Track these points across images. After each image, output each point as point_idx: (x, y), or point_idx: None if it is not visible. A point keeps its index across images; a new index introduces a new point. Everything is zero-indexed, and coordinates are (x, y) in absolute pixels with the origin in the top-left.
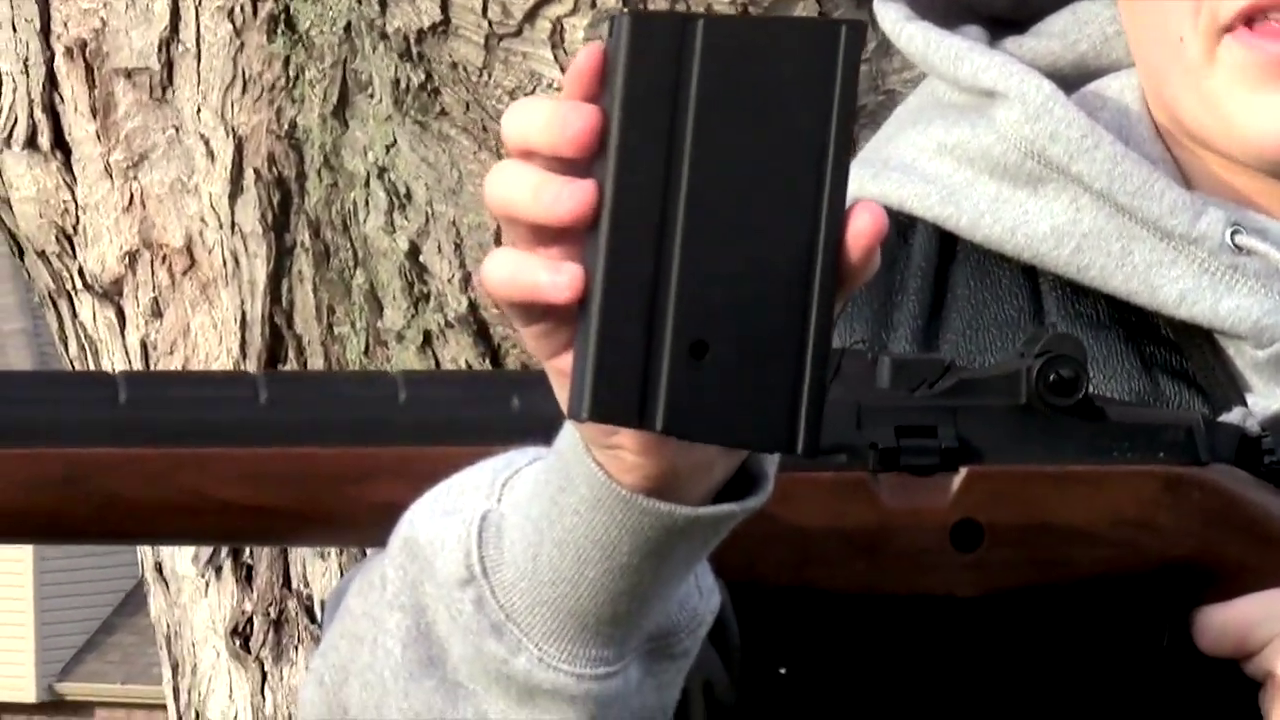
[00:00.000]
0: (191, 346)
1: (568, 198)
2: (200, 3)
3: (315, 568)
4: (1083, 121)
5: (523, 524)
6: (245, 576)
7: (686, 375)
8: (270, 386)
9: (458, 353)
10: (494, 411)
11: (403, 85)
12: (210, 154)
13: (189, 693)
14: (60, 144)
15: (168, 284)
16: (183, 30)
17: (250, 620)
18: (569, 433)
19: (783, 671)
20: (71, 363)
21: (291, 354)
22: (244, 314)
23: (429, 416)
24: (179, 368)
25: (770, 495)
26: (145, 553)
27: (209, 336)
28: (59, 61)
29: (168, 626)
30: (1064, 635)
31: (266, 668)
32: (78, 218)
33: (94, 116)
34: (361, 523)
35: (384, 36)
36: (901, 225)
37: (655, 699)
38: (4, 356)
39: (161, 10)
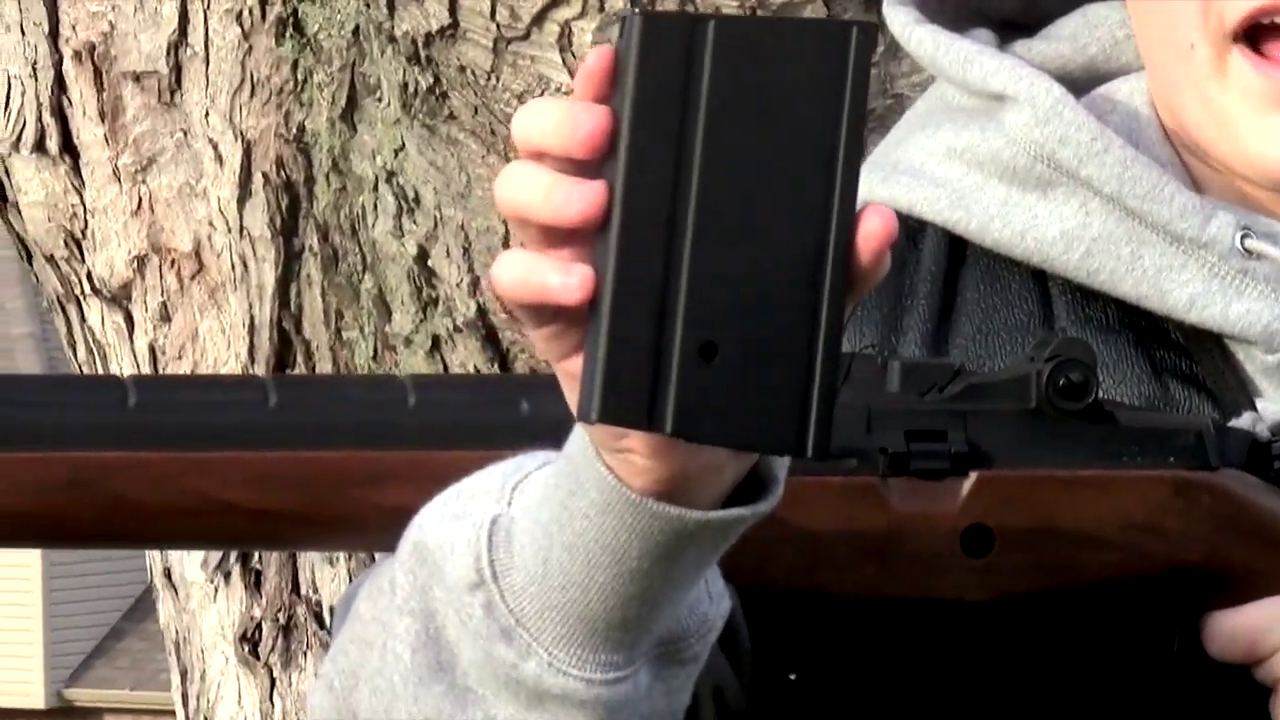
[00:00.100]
0: (200, 351)
1: (578, 199)
2: (209, 6)
3: (324, 573)
4: (1092, 125)
5: (532, 528)
6: (254, 582)
7: (696, 377)
8: (279, 390)
9: (466, 357)
10: (503, 416)
11: (411, 89)
12: (219, 158)
13: (198, 699)
14: (69, 148)
15: (176, 288)
16: (191, 34)
17: (259, 626)
18: (579, 436)
19: (792, 677)
20: (80, 367)
21: (300, 359)
22: (252, 318)
23: (438, 421)
24: (187, 372)
25: (780, 499)
26: (154, 558)
27: (217, 341)
28: (67, 65)
29: (176, 632)
30: (1074, 640)
31: (275, 674)
32: (86, 222)
33: (102, 120)
34: (370, 527)
35: (392, 40)
36: (911, 229)
37: (665, 704)
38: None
39: (170, 14)
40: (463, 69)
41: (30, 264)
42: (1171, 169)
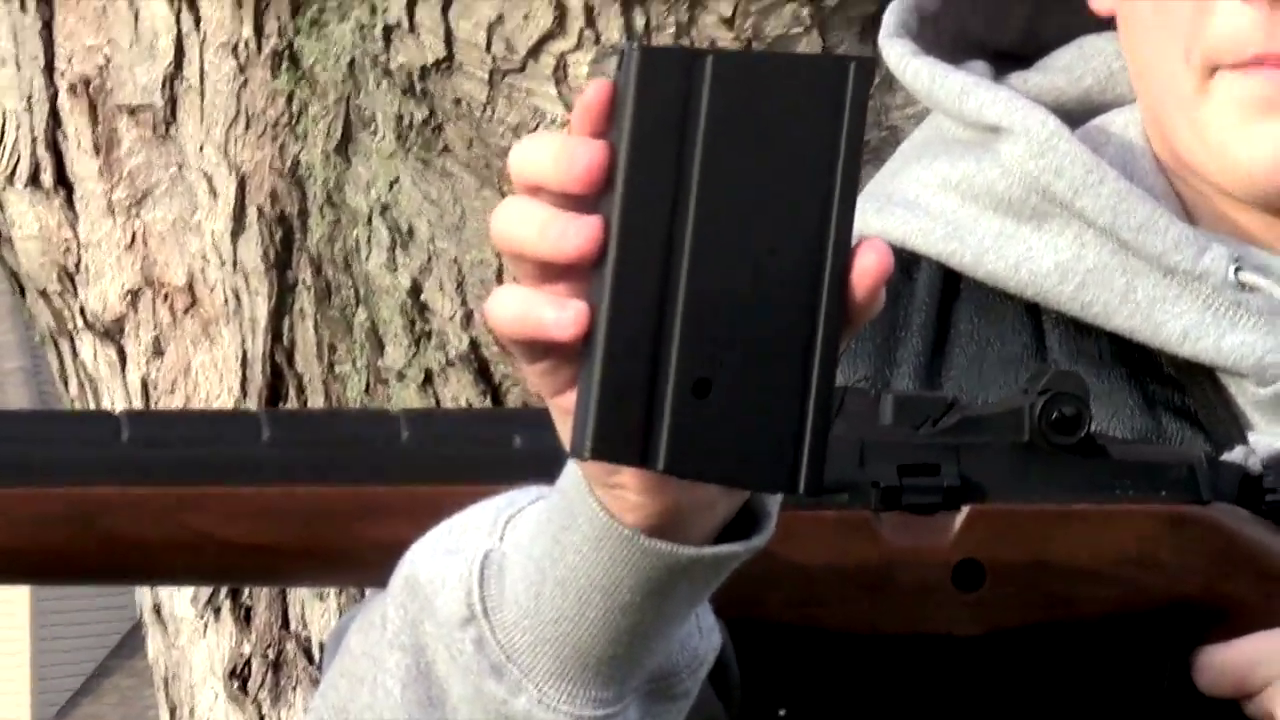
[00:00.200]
0: (192, 385)
1: (574, 234)
2: (204, 40)
3: (314, 609)
4: (1087, 157)
5: (525, 563)
6: (244, 618)
7: (689, 414)
8: (273, 425)
9: (459, 391)
10: (497, 450)
11: (406, 121)
12: (213, 191)
13: None
14: (63, 181)
15: (169, 322)
16: (186, 67)
17: (249, 662)
18: (571, 471)
19: (783, 713)
20: (72, 401)
21: (292, 392)
22: (245, 352)
23: (432, 455)
24: (180, 406)
25: (773, 534)
26: (143, 594)
27: (210, 375)
28: (62, 98)
29: (166, 668)
30: (1067, 674)
31: (265, 710)
32: (80, 256)
33: (97, 153)
34: (364, 561)
35: (387, 73)
36: (905, 261)
37: None
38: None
39: (165, 47)
40: (458, 101)
41: (23, 298)
42: (1165, 201)
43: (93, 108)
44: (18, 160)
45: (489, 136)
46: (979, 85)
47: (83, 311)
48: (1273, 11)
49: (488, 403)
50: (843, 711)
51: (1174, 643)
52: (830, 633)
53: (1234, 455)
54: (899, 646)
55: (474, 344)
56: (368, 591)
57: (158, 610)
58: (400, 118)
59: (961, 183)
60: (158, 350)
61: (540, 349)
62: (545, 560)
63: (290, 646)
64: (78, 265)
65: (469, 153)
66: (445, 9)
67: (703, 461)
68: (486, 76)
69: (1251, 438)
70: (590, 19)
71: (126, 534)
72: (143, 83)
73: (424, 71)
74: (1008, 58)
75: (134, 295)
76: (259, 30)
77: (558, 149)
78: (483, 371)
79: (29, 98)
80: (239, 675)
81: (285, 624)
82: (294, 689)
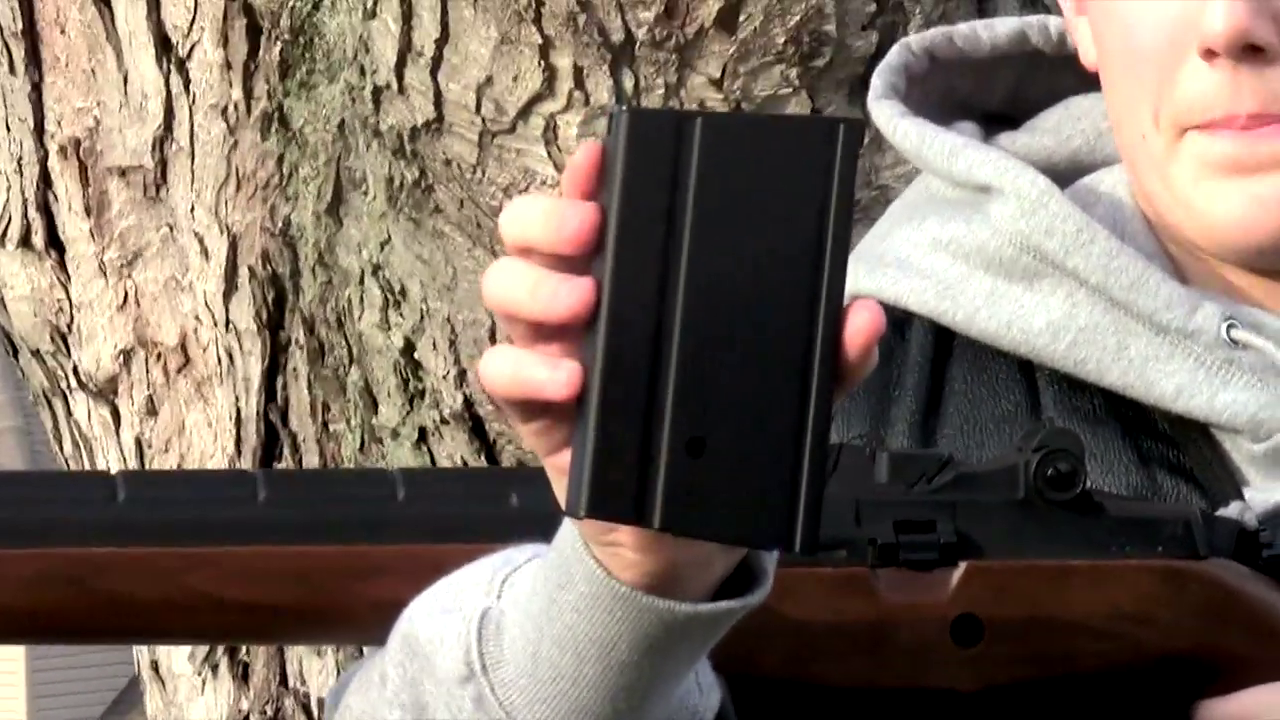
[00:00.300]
0: (186, 444)
1: (565, 295)
2: (193, 101)
3: (312, 665)
4: (1078, 216)
5: (522, 621)
6: (242, 675)
7: (683, 472)
8: (269, 485)
9: (453, 449)
10: (493, 509)
11: (396, 182)
12: (204, 252)
13: None
14: (54, 243)
15: (162, 382)
16: (176, 129)
17: (247, 718)
18: (568, 530)
19: None
20: (66, 461)
21: (287, 451)
22: (239, 411)
23: (428, 514)
24: (174, 466)
25: (770, 590)
26: (141, 651)
27: (204, 434)
28: (53, 160)
29: None
30: None
31: None
32: (72, 316)
33: (88, 215)
34: (362, 621)
35: (377, 134)
36: (898, 320)
37: None
38: None
39: (155, 109)
40: (448, 162)
41: (16, 358)
42: (1157, 260)
43: (83, 170)
44: (9, 222)
45: (480, 197)
46: (968, 145)
47: (76, 371)
48: (1236, 73)
49: (482, 460)
50: None
51: (1172, 698)
52: (829, 689)
53: (1230, 511)
54: (897, 702)
55: (468, 402)
56: (366, 649)
57: (155, 667)
58: (391, 179)
59: (952, 242)
60: (151, 410)
61: (534, 409)
62: (543, 618)
63: (289, 703)
64: (70, 326)
65: (460, 213)
66: (434, 71)
67: (698, 519)
68: (476, 138)
69: (1247, 493)
70: (579, 80)
71: (123, 594)
72: (133, 145)
73: (414, 133)
74: (995, 119)
75: (127, 355)
76: (248, 92)
77: (548, 211)
78: (477, 429)
79: (19, 160)
80: None
81: (284, 681)
82: None
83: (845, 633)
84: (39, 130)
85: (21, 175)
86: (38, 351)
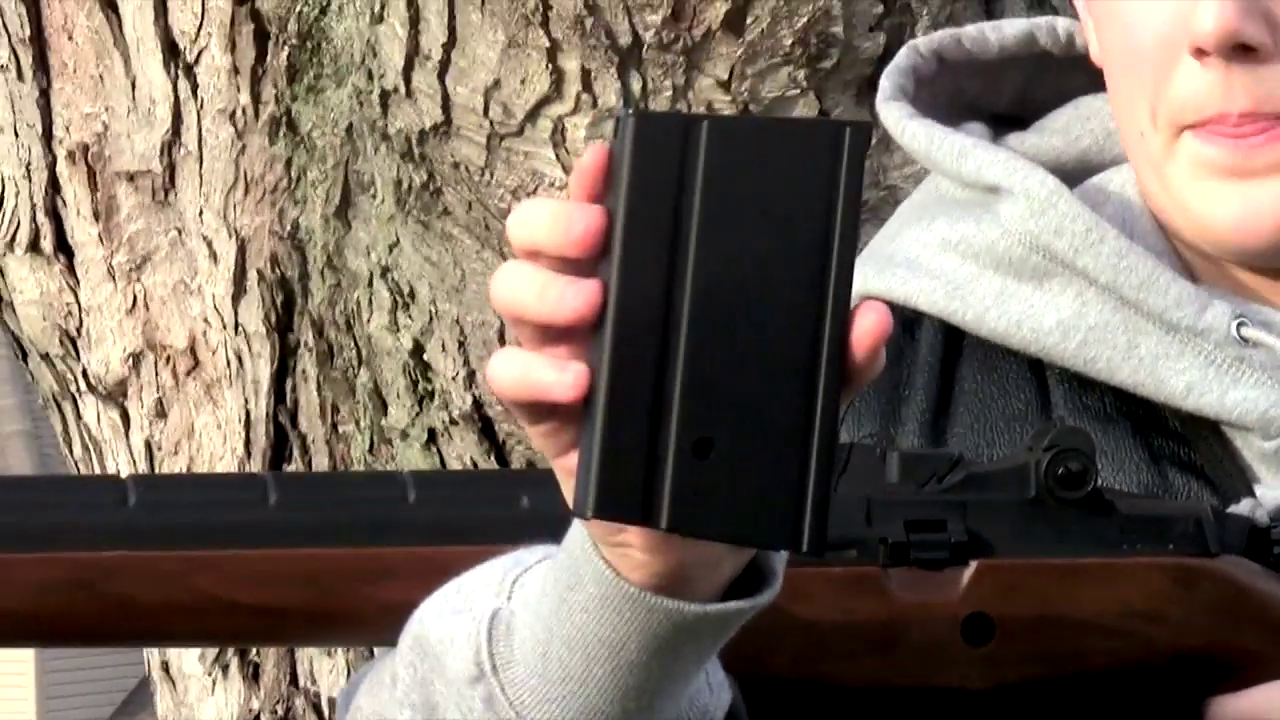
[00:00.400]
0: (196, 447)
1: (572, 298)
2: (201, 106)
3: (322, 666)
4: (1087, 216)
5: (532, 622)
6: (252, 675)
7: (691, 473)
8: (280, 488)
9: (462, 450)
10: (504, 511)
11: (405, 185)
12: (213, 255)
13: None
14: (63, 247)
15: (171, 385)
16: (184, 133)
17: (257, 718)
18: (577, 531)
19: None
20: (76, 465)
21: (296, 453)
22: (248, 414)
23: (439, 516)
24: (184, 468)
25: (781, 590)
26: (151, 651)
27: (213, 437)
28: (61, 165)
29: None
30: None
31: None
32: (81, 320)
33: (96, 219)
34: (372, 622)
35: (385, 138)
36: (907, 320)
37: None
38: (4, 459)
39: (163, 114)
40: (456, 165)
41: (25, 362)
42: (1166, 258)
43: (91, 174)
44: (18, 227)
45: (488, 199)
46: (977, 146)
47: (85, 375)
48: (1228, 72)
49: (492, 461)
50: None
51: (1184, 696)
52: (839, 688)
53: (1241, 508)
54: (908, 701)
55: (477, 403)
56: (377, 650)
57: (166, 667)
58: (399, 181)
59: (961, 243)
60: (161, 412)
61: (542, 411)
62: (552, 619)
63: (299, 703)
64: (79, 329)
65: (468, 215)
66: (442, 74)
67: (705, 520)
68: (484, 140)
69: (1258, 490)
70: (587, 83)
71: (134, 598)
72: (141, 149)
73: (422, 136)
74: (1004, 120)
75: (136, 358)
76: (256, 97)
77: (555, 214)
78: (486, 430)
79: (28, 165)
80: None
81: (294, 681)
82: None
83: (856, 632)
84: (47, 135)
85: (30, 180)
86: (47, 355)
